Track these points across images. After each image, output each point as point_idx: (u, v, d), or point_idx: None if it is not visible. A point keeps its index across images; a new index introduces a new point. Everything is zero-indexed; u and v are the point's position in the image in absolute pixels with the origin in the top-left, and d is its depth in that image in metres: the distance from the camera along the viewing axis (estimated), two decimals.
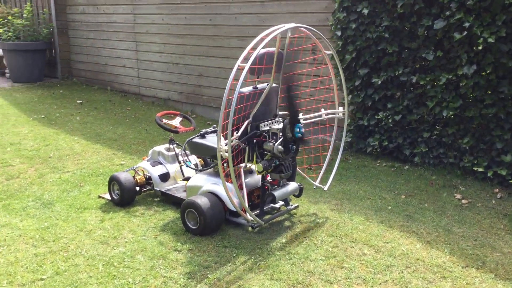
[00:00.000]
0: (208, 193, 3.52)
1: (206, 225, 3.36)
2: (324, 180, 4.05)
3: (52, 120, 6.65)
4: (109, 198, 4.03)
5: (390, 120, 4.91)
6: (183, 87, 7.37)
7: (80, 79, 9.34)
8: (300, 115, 3.73)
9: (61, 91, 8.60)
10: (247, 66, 2.96)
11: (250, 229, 3.48)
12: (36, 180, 4.51)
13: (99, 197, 4.12)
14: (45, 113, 7.02)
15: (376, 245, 3.27)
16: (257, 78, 3.44)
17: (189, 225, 3.47)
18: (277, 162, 3.43)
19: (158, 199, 4.09)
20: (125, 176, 3.96)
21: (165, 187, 4.07)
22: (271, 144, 3.38)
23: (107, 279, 2.88)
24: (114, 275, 2.92)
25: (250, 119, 3.41)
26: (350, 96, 5.24)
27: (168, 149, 4.20)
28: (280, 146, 3.35)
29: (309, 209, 3.88)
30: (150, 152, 4.27)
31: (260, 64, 3.31)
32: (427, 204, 3.95)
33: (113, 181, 3.97)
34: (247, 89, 3.45)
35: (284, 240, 3.36)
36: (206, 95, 7.04)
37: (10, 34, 8.70)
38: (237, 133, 3.28)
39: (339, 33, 5.14)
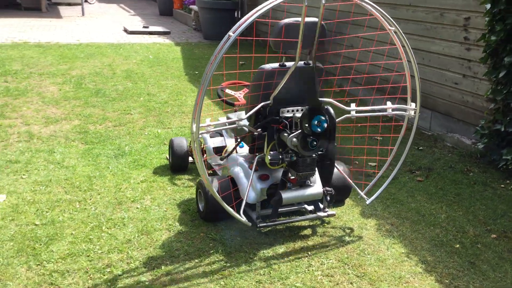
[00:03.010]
0: (227, 177, 3.17)
1: (208, 211, 3.04)
2: (392, 193, 3.24)
3: (200, 78, 6.92)
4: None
5: None
6: (343, 60, 6.80)
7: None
8: (353, 106, 3.01)
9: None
10: (234, 35, 2.46)
11: (257, 228, 3.01)
12: (134, 131, 4.76)
13: (166, 158, 4.13)
14: (201, 70, 7.35)
15: None
16: (284, 53, 2.86)
17: (199, 206, 3.19)
18: (293, 158, 2.85)
19: (210, 171, 3.88)
20: (179, 142, 3.85)
21: (218, 161, 3.82)
22: (286, 135, 2.81)
23: (82, 240, 2.85)
24: (90, 239, 2.87)
25: (270, 101, 2.88)
26: (490, 90, 4.03)
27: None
28: (294, 139, 2.75)
29: (351, 222, 3.16)
30: None
31: (281, 37, 2.73)
32: None
33: (170, 144, 3.91)
34: (270, 66, 2.91)
35: (281, 251, 2.81)
36: (356, 72, 6.36)
37: None
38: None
39: (488, 6, 3.94)
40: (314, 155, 2.87)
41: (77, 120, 5.01)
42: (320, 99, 3.01)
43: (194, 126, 2.54)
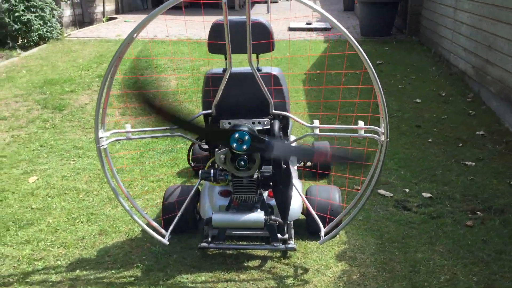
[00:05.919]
0: (191, 186, 2.97)
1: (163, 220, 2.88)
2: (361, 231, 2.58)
3: (317, 78, 6.55)
4: None
5: None
6: (477, 60, 5.64)
7: (421, 36, 8.46)
8: (316, 123, 2.47)
9: (386, 48, 8.12)
10: (127, 36, 2.23)
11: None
12: None
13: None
14: (322, 69, 6.94)
15: None
16: (225, 58, 2.50)
17: None
18: (228, 177, 2.48)
19: None
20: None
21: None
22: (216, 150, 2.45)
23: (49, 230, 3.00)
24: (55, 230, 3.00)
25: (212, 110, 2.55)
26: None
27: None
28: (222, 156, 2.40)
29: (315, 262, 2.60)
30: None
31: (211, 38, 2.40)
32: None
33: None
34: (213, 71, 2.59)
35: (201, 279, 2.48)
36: (490, 75, 5.18)
37: None
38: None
39: None
40: (255, 177, 2.46)
41: None
42: (275, 111, 2.57)
43: (100, 131, 2.44)
